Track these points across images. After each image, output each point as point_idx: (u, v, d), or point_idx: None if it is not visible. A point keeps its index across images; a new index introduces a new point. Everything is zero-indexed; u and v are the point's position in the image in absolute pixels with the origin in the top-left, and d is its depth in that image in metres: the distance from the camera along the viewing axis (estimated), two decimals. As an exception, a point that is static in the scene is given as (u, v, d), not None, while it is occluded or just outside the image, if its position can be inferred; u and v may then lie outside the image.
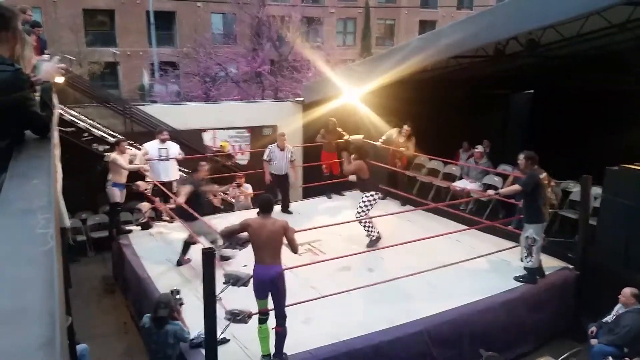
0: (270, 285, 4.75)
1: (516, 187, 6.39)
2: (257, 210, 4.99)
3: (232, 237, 5.15)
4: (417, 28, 31.98)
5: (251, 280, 4.86)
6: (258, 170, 9.83)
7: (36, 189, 1.61)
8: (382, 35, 32.50)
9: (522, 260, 6.45)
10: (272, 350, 4.87)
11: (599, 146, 9.84)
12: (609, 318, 5.71)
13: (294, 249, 4.93)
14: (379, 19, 31.76)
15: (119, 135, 9.97)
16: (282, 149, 8.82)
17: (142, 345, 6.44)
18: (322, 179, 10.18)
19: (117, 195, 8.13)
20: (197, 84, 22.08)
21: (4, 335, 0.88)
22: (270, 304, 4.86)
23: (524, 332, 6.26)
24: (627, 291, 5.61)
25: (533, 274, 6.40)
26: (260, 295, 4.81)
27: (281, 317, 4.82)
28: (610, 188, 6.99)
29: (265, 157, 8.90)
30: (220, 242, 5.73)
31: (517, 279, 6.44)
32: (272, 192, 8.14)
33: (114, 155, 8.03)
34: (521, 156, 6.23)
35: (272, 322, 4.88)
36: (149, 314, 5.02)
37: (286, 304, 4.85)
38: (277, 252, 4.80)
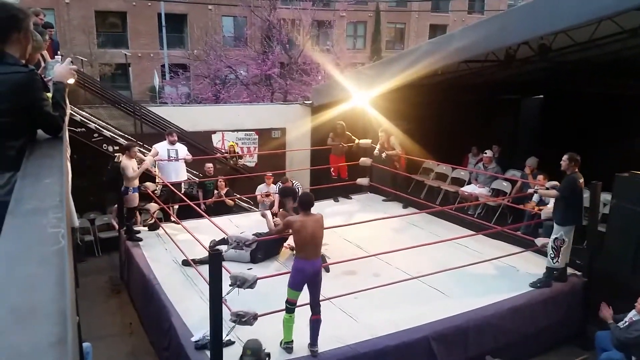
0: (312, 278, 4.91)
1: (554, 192, 6.38)
2: (300, 207, 5.09)
3: (238, 237, 5.19)
4: (427, 32, 31.93)
5: (257, 282, 4.88)
6: (264, 172, 9.91)
7: (48, 189, 1.62)
8: (392, 39, 32.50)
9: (550, 260, 6.40)
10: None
11: (609, 152, 9.76)
12: (620, 324, 5.65)
13: None
14: (389, 23, 31.76)
15: (128, 137, 10.05)
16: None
17: (147, 346, 6.48)
18: (329, 182, 10.18)
19: (137, 200, 8.07)
20: (207, 86, 22.16)
21: (17, 333, 0.89)
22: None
23: (531, 338, 6.22)
24: None
25: (550, 277, 6.41)
26: (297, 287, 4.93)
27: (318, 306, 4.99)
28: (620, 194, 6.93)
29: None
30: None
31: (534, 285, 6.42)
32: None
33: (123, 161, 7.89)
34: (565, 157, 6.24)
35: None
36: None
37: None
38: (320, 246, 5.01)
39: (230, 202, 9.64)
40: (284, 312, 4.95)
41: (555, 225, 6.36)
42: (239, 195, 10.13)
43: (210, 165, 9.77)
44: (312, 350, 4.96)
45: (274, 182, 9.52)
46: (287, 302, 4.94)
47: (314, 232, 4.88)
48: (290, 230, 5.07)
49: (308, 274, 4.90)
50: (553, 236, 6.33)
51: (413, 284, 6.23)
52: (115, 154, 8.99)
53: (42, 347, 0.86)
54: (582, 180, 6.20)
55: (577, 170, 6.20)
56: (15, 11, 2.18)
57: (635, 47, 8.19)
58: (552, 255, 6.33)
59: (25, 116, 2.14)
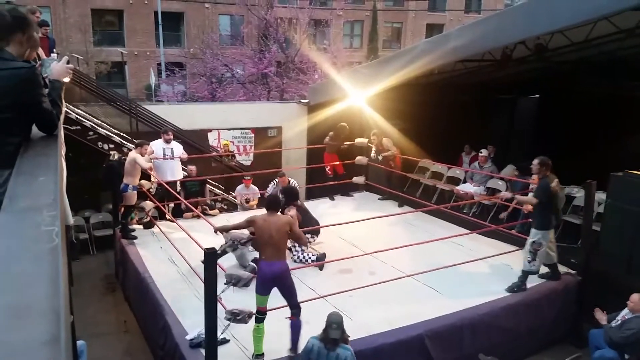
0: (274, 281, 4.81)
1: (531, 199, 6.35)
2: (265, 207, 5.07)
3: (234, 235, 5.18)
4: (424, 31, 31.97)
5: (253, 280, 4.88)
6: (261, 171, 9.90)
7: (42, 186, 1.62)
8: (389, 38, 32.51)
9: (527, 264, 6.37)
10: (264, 351, 4.89)
11: (604, 152, 9.80)
12: (613, 323, 5.69)
13: (302, 242, 5.05)
14: (386, 22, 31.76)
15: (124, 134, 10.02)
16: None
17: (142, 344, 6.47)
18: (326, 181, 10.19)
19: (135, 198, 8.03)
20: (203, 84, 22.12)
21: (10, 331, 0.89)
22: (271, 304, 4.88)
23: (525, 336, 6.24)
24: (635, 297, 5.53)
25: (525, 280, 6.36)
26: (262, 291, 4.83)
27: (295, 308, 4.91)
28: (615, 194, 6.96)
29: (269, 189, 8.73)
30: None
31: (510, 289, 6.35)
32: None
33: (134, 154, 7.82)
34: (535, 161, 6.21)
35: (270, 321, 4.90)
36: (314, 336, 4.61)
37: (297, 296, 4.94)
38: (282, 248, 4.90)
39: (216, 212, 9.55)
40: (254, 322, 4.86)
41: (532, 229, 6.31)
42: (233, 194, 10.12)
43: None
44: (290, 356, 4.90)
45: (269, 181, 9.45)
46: (257, 310, 4.86)
47: (272, 234, 4.79)
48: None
49: (268, 276, 4.79)
50: (530, 239, 6.28)
51: (408, 283, 6.24)
52: (111, 152, 8.96)
53: (36, 345, 0.86)
54: (554, 184, 6.14)
55: (548, 173, 6.15)
56: (23, 15, 2.29)
57: (632, 47, 8.23)
58: (530, 259, 6.28)
59: (25, 112, 2.16)
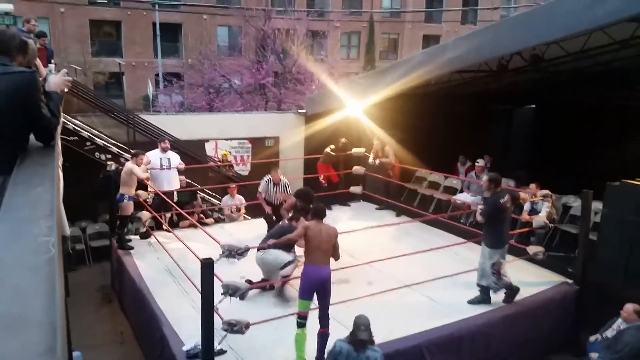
0: (320, 285, 4.90)
1: (478, 217, 6.18)
2: (312, 216, 5.25)
3: (230, 245, 5.16)
4: (420, 42, 32.12)
5: (248, 292, 4.87)
6: (258, 181, 9.87)
7: (39, 197, 1.62)
8: (385, 49, 32.67)
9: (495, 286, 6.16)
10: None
11: (601, 161, 9.85)
12: (608, 333, 5.67)
13: (337, 256, 5.24)
14: (383, 33, 31.94)
15: (121, 145, 10.02)
16: (276, 183, 8.32)
17: (138, 355, 6.42)
18: (323, 191, 10.17)
19: (131, 208, 8.03)
20: (201, 95, 22.18)
21: (6, 342, 0.89)
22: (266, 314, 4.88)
23: (524, 346, 6.22)
24: (629, 307, 5.54)
25: (512, 291, 6.23)
26: (306, 295, 4.89)
27: (327, 319, 4.98)
28: (611, 203, 6.98)
29: (260, 189, 8.46)
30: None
31: (505, 300, 6.25)
32: (269, 220, 8.20)
33: (131, 165, 7.86)
34: (485, 178, 6.11)
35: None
36: (341, 339, 4.60)
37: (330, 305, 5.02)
38: (329, 254, 5.05)
39: (211, 221, 9.53)
40: (296, 327, 4.90)
41: (488, 249, 6.09)
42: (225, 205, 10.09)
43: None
44: None
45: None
46: (297, 315, 4.90)
47: (323, 240, 4.95)
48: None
49: (317, 280, 4.87)
50: (489, 262, 6.04)
51: (406, 292, 6.23)
52: (108, 163, 8.96)
53: (31, 356, 0.86)
54: (503, 200, 5.94)
55: (498, 190, 6.01)
56: (26, 42, 2.51)
57: (626, 57, 8.30)
58: (495, 281, 6.05)
59: (25, 117, 2.21)
